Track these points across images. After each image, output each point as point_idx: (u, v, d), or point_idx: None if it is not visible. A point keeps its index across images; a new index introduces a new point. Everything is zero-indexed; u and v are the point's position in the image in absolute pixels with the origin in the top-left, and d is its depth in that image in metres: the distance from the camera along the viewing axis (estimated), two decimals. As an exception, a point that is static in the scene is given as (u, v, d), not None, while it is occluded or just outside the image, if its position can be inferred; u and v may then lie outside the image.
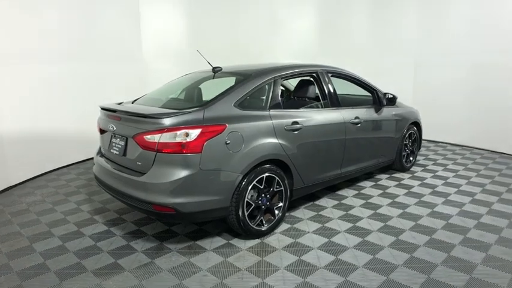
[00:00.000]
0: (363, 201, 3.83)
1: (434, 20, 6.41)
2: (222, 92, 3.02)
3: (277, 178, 3.12)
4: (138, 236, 3.15)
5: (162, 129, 2.63)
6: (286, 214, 3.52)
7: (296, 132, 3.26)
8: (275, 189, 3.14)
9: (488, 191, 4.10)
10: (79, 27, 5.17)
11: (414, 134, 4.86)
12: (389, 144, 4.46)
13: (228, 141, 2.77)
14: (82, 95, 5.21)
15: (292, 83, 4.18)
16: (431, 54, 6.51)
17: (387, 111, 4.35)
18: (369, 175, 4.71)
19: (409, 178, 4.59)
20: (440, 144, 6.56)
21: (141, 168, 2.77)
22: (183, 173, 2.62)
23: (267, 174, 3.03)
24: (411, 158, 4.92)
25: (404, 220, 3.37)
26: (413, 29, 6.66)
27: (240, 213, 2.88)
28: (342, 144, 3.73)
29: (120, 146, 3.01)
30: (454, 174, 4.73)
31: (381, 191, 4.13)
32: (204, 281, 2.48)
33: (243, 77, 3.24)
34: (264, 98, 3.21)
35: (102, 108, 3.26)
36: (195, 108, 2.81)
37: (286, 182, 3.20)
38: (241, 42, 7.08)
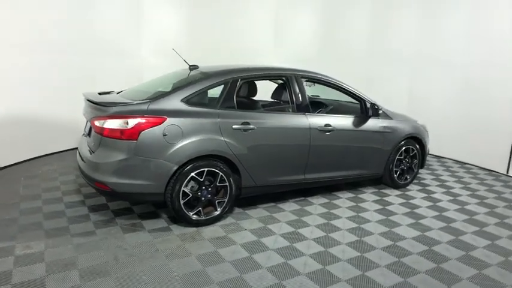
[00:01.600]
0: (324, 211, 3.78)
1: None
2: (174, 88, 3.28)
3: (220, 174, 3.29)
4: (96, 210, 3.59)
5: (108, 116, 2.99)
6: (245, 211, 3.66)
7: (246, 133, 3.38)
8: (218, 184, 3.31)
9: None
10: (79, 19, 5.40)
11: (413, 149, 4.55)
12: (374, 156, 4.28)
13: (166, 133, 3.04)
14: (82, 86, 5.03)
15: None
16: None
17: (374, 122, 4.19)
18: (354, 185, 4.56)
19: (395, 196, 4.34)
20: (451, 161, 5.96)
21: (92, 148, 3.19)
22: (119, 157, 2.97)
23: (208, 168, 3.22)
24: (407, 176, 4.62)
25: (337, 247, 3.05)
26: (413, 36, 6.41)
27: (176, 201, 3.13)
28: (306, 150, 3.73)
29: (87, 129, 3.47)
30: (452, 198, 4.33)
31: (352, 204, 4.00)
32: (118, 252, 2.79)
33: (204, 76, 3.46)
34: (217, 97, 3.39)
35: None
36: (144, 100, 3.12)
37: (231, 178, 3.34)
38: (238, 41, 7.17)
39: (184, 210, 3.19)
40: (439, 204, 4.12)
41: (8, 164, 4.80)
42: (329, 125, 3.86)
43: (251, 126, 3.41)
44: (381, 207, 3.96)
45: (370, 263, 2.81)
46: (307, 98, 3.83)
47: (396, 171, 4.50)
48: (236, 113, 3.40)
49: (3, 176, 4.45)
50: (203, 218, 3.29)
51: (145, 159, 3.00)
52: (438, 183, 4.90)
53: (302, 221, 3.50)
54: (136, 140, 2.96)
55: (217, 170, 3.27)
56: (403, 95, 6.73)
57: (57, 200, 3.74)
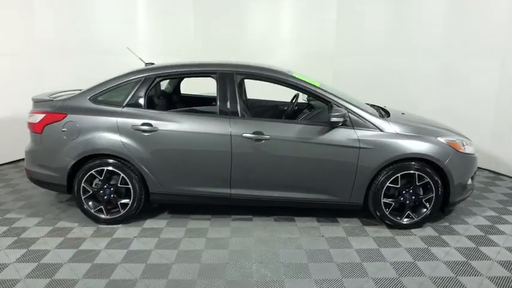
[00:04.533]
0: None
1: None
2: (91, 87, 3.36)
3: (122, 175, 3.19)
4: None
5: (30, 112, 3.37)
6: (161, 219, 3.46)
7: (147, 134, 3.13)
8: (121, 186, 3.22)
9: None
10: (73, 19, 5.47)
11: (422, 177, 3.13)
12: (341, 179, 3.17)
13: (64, 129, 3.17)
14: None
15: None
16: None
17: (341, 133, 3.11)
18: (334, 213, 3.51)
19: (378, 238, 3.11)
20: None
21: None
22: (30, 147, 3.32)
23: (108, 168, 3.18)
24: (414, 214, 3.22)
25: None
26: None
27: (77, 195, 3.24)
28: (226, 160, 3.14)
29: None
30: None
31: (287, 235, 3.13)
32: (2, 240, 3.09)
33: (123, 74, 3.37)
34: (124, 95, 3.26)
35: None
36: (63, 98, 3.35)
37: (134, 181, 3.19)
38: (247, 38, 6.51)
39: (86, 206, 3.26)
40: None
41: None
42: (260, 133, 3.11)
43: (153, 128, 3.13)
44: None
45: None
46: (237, 100, 3.20)
47: (389, 205, 3.21)
48: (140, 113, 3.19)
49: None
50: (106, 216, 3.27)
51: (49, 152, 3.23)
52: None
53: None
54: (41, 133, 3.22)
55: (118, 170, 3.18)
56: (490, 95, 4.75)
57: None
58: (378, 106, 3.96)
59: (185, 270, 2.61)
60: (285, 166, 3.17)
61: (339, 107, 3.15)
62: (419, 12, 5.52)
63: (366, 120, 3.16)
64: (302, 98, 4.14)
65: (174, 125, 3.15)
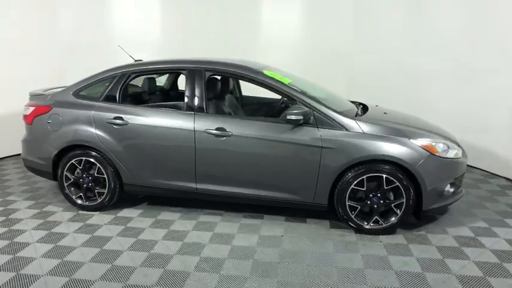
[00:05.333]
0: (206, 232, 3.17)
1: None
2: (75, 82, 3.61)
3: (98, 165, 3.41)
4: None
5: (25, 105, 3.70)
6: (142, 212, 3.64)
7: (118, 127, 3.31)
8: (97, 175, 3.44)
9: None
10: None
11: (393, 182, 2.94)
12: (303, 179, 3.08)
13: (49, 121, 3.46)
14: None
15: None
16: None
17: (304, 132, 3.02)
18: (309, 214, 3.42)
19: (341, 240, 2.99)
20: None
21: None
22: (24, 137, 3.65)
23: (86, 158, 3.41)
24: (383, 220, 3.04)
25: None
26: None
27: (61, 182, 3.52)
28: (190, 155, 3.21)
29: None
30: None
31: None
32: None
33: (106, 70, 3.58)
34: (102, 90, 3.45)
35: None
36: (55, 92, 3.65)
37: (107, 170, 3.39)
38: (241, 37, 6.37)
39: (68, 193, 3.52)
40: None
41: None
42: (223, 129, 3.13)
43: (124, 122, 3.30)
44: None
45: None
46: (204, 96, 3.24)
47: (354, 208, 3.06)
48: (113, 107, 3.37)
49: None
50: (86, 203, 3.51)
51: (38, 142, 3.53)
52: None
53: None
54: (31, 124, 3.54)
55: (93, 160, 3.40)
56: (507, 96, 4.32)
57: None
58: (360, 103, 3.80)
59: (133, 258, 2.73)
60: (247, 163, 3.16)
61: (304, 105, 3.07)
62: (436, 10, 5.15)
63: (331, 119, 3.04)
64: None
65: (143, 119, 3.29)
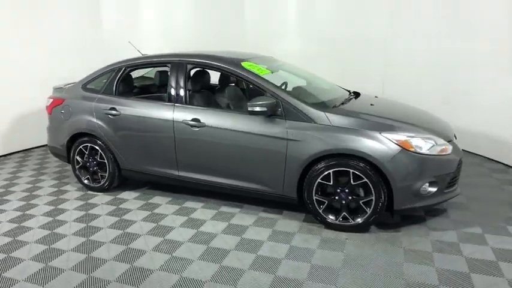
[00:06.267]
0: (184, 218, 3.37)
1: None
2: (85, 76, 4.04)
3: (100, 151, 3.81)
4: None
5: (48, 97, 4.25)
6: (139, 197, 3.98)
7: (112, 117, 3.64)
8: (100, 160, 3.85)
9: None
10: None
11: (361, 178, 2.79)
12: (271, 170, 3.08)
13: (62, 111, 3.95)
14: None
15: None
16: None
17: (272, 123, 3.02)
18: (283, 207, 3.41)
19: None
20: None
21: None
22: (47, 126, 4.20)
23: (90, 144, 3.84)
24: (351, 216, 2.91)
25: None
26: None
27: (72, 165, 4.02)
28: (171, 144, 3.41)
29: None
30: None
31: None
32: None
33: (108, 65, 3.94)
34: (103, 83, 3.81)
35: None
36: (71, 86, 4.14)
37: (107, 156, 3.77)
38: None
39: (79, 174, 4.00)
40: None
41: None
42: (197, 120, 3.27)
43: (117, 112, 3.62)
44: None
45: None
46: (183, 87, 3.40)
47: (322, 202, 2.98)
48: (110, 99, 3.71)
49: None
50: (92, 184, 3.96)
51: (55, 129, 4.05)
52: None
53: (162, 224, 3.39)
54: (50, 114, 4.08)
55: (96, 147, 3.81)
56: None
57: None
58: (355, 92, 3.68)
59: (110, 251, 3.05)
60: (220, 153, 3.26)
61: (273, 96, 3.05)
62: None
63: (299, 110, 2.98)
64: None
65: (132, 110, 3.58)
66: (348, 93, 3.79)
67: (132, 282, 2.42)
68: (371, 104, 3.34)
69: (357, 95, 3.70)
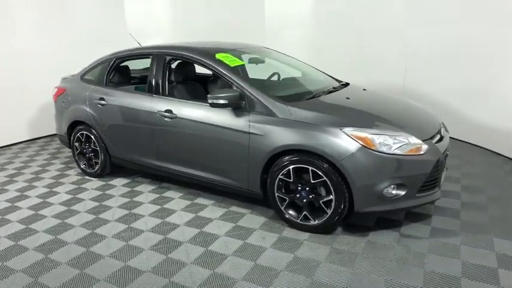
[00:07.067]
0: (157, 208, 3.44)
1: None
2: (84, 67, 4.24)
3: (93, 139, 4.01)
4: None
5: (54, 87, 4.53)
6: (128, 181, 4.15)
7: (101, 107, 3.80)
8: (93, 147, 4.05)
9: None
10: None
11: (318, 175, 2.64)
12: (235, 164, 3.01)
13: (64, 100, 4.20)
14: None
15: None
16: None
17: (237, 115, 2.94)
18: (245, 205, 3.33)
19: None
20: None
21: None
22: (54, 113, 4.50)
23: (86, 132, 4.05)
24: (312, 216, 2.75)
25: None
26: None
27: (72, 150, 4.28)
28: (150, 135, 3.48)
29: None
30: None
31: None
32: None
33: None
34: (97, 74, 3.97)
35: None
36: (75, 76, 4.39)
37: (99, 143, 3.94)
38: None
39: (77, 159, 4.24)
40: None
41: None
42: (170, 111, 3.29)
43: (105, 102, 3.76)
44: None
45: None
46: (161, 79, 3.43)
47: (284, 200, 2.86)
48: (100, 89, 3.86)
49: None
50: (88, 170, 4.18)
51: (60, 116, 4.32)
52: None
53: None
54: (56, 102, 4.36)
55: (91, 135, 4.01)
56: None
57: None
58: (344, 84, 3.58)
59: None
60: (191, 145, 3.26)
61: (238, 88, 2.97)
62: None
63: (262, 103, 2.87)
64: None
65: (117, 100, 3.70)
66: (338, 84, 3.60)
67: (79, 266, 2.53)
68: (347, 98, 3.10)
69: (343, 86, 3.48)
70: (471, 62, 4.56)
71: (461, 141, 4.90)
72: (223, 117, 3.00)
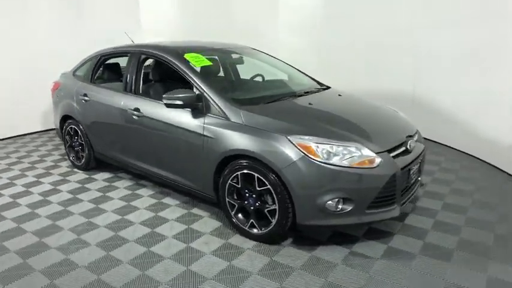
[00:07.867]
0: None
1: None
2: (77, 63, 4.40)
3: (80, 133, 4.16)
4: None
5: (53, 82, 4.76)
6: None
7: (84, 102, 3.93)
8: (80, 141, 4.20)
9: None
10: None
11: (266, 183, 2.53)
12: (192, 166, 2.97)
13: (57, 95, 4.40)
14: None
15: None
16: None
17: (193, 116, 2.91)
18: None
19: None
20: None
21: None
22: (52, 105, 4.73)
23: (74, 126, 4.20)
24: (258, 225, 2.66)
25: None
26: None
27: (64, 142, 4.47)
28: (122, 132, 3.54)
29: None
30: None
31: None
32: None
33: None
34: (85, 70, 4.11)
35: None
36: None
37: (84, 138, 4.07)
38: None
39: (68, 152, 4.42)
40: None
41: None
42: (137, 109, 3.32)
43: (88, 98, 3.88)
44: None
45: None
46: (134, 76, 3.47)
47: (233, 205, 2.78)
48: (86, 85, 3.99)
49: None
50: (76, 163, 4.34)
51: (56, 110, 4.53)
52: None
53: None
54: (52, 96, 4.58)
55: (78, 130, 4.16)
56: None
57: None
58: (325, 88, 3.54)
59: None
60: (155, 143, 3.27)
61: (197, 89, 2.93)
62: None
63: (218, 106, 2.81)
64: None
65: (96, 96, 3.81)
66: (318, 88, 3.50)
67: (24, 255, 2.62)
68: (309, 104, 2.96)
69: (322, 90, 3.36)
70: (483, 66, 4.18)
71: (466, 153, 4.51)
72: (182, 118, 2.98)
